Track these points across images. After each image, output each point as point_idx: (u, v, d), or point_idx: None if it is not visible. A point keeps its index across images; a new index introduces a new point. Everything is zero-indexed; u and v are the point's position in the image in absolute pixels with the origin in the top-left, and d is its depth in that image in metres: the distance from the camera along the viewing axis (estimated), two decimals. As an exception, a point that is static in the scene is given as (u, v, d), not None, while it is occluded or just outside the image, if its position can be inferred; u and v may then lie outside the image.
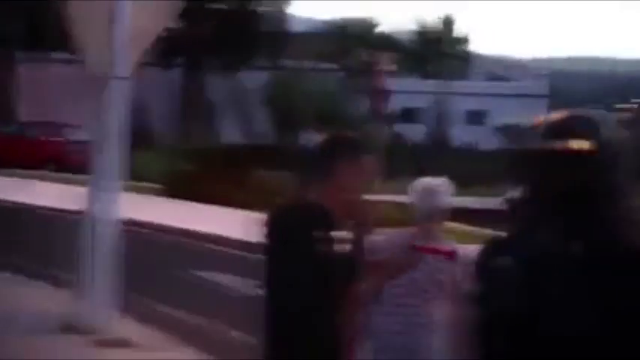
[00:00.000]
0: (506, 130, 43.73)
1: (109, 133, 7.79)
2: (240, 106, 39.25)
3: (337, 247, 3.35)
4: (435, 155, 29.58)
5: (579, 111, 3.19)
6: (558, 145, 3.00)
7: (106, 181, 7.77)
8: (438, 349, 4.56)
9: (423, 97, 42.66)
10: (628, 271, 2.72)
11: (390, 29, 49.05)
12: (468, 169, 27.74)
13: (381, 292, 4.11)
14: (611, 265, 2.80)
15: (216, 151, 22.79)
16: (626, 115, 61.75)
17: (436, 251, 4.34)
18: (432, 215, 4.74)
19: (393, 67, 15.38)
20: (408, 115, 42.16)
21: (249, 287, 10.99)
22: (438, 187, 4.87)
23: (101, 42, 7.76)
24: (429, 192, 4.78)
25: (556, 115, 3.18)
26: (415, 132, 40.55)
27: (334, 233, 3.34)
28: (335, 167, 3.32)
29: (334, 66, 44.60)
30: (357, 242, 3.48)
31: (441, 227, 4.83)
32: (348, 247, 3.44)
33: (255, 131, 38.32)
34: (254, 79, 38.63)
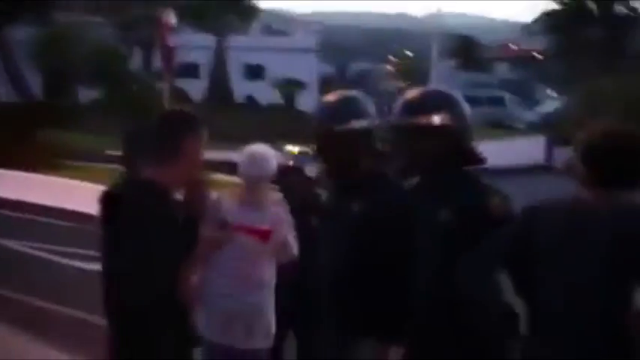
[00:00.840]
0: (285, 85, 44.60)
1: None
2: (7, 63, 37.31)
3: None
4: (217, 110, 29.62)
5: (433, 88, 3.53)
6: (418, 120, 3.30)
7: None
8: (267, 308, 4.68)
9: (202, 52, 42.38)
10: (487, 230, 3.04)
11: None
12: (249, 123, 28.07)
13: (203, 262, 4.15)
14: (476, 228, 3.11)
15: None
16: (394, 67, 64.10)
17: (250, 231, 4.42)
18: (258, 182, 4.79)
19: (174, 22, 15.10)
20: (188, 71, 41.74)
21: (47, 252, 10.85)
22: (265, 154, 4.87)
23: None
24: (256, 158, 4.81)
25: (413, 93, 3.45)
26: (196, 88, 40.30)
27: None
28: (180, 145, 3.26)
29: (107, 20, 43.27)
30: (194, 214, 3.52)
31: (267, 194, 4.85)
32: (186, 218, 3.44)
33: (26, 90, 36.66)
34: (21, 35, 36.78)
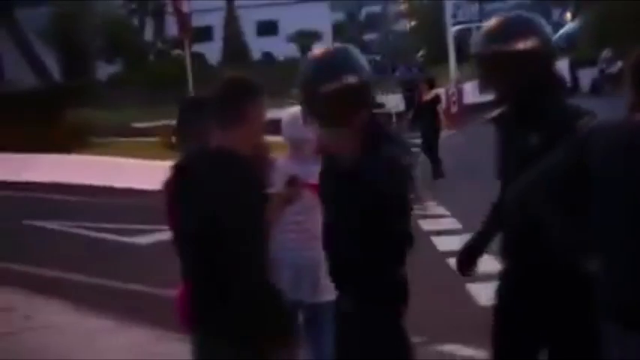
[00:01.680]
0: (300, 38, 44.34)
1: None
2: (23, 47, 37.29)
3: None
4: (234, 70, 29.51)
5: (514, 14, 3.44)
6: (509, 47, 3.25)
7: None
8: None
9: (214, 14, 42.16)
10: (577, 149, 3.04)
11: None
12: (267, 79, 27.97)
13: (277, 219, 4.23)
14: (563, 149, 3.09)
15: (13, 97, 21.73)
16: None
17: (307, 185, 4.46)
18: (301, 143, 4.74)
19: (186, -13, 15.03)
20: (202, 34, 41.62)
21: (93, 231, 10.97)
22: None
23: None
24: (298, 120, 4.80)
25: (495, 20, 3.39)
26: (211, 50, 40.15)
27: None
28: (243, 110, 3.33)
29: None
30: (263, 176, 3.56)
31: (310, 150, 4.83)
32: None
33: (45, 72, 36.70)
34: (31, 16, 36.68)
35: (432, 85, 15.22)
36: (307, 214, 4.68)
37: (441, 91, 17.37)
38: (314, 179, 4.59)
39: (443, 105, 16.44)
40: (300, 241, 4.67)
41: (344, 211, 3.25)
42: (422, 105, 14.96)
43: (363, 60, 3.26)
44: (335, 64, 3.18)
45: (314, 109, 3.24)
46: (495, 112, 3.42)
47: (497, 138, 3.46)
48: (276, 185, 4.19)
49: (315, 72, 3.20)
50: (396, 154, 3.17)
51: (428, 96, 14.88)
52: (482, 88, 3.44)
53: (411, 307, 3.23)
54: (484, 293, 5.47)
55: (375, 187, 3.11)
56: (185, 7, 15.32)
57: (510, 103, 3.35)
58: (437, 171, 14.14)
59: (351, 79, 3.15)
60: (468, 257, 3.63)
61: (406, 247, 3.22)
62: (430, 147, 14.32)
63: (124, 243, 10.12)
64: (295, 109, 4.92)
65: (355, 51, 3.30)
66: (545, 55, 3.31)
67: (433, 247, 8.84)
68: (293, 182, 4.10)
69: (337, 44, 3.50)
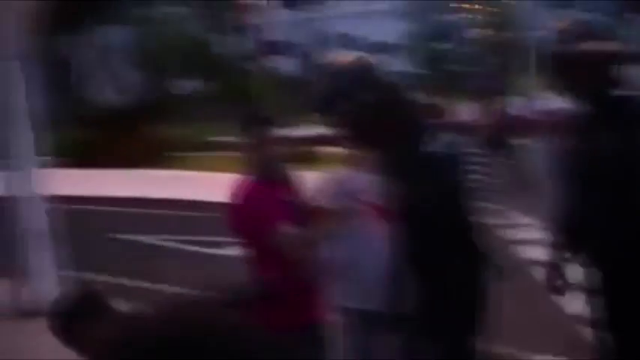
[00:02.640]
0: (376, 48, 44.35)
1: (17, 112, 7.61)
2: (106, 63, 38.20)
3: None
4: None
5: (585, 16, 3.40)
6: (588, 48, 3.21)
7: (23, 161, 7.60)
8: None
9: (291, 27, 42.45)
10: None
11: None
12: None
13: (328, 235, 4.30)
14: None
15: (95, 114, 22.28)
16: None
17: (378, 209, 4.50)
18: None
19: (263, 1, 15.21)
20: (279, 48, 41.95)
21: (179, 243, 11.16)
22: None
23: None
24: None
25: (567, 22, 3.36)
26: (288, 64, 40.43)
27: None
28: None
29: (194, 10, 43.72)
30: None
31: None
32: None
33: (128, 88, 37.47)
34: (113, 35, 37.53)
35: (503, 95, 15.34)
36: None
37: (520, 100, 17.33)
38: (373, 194, 4.61)
39: (518, 114, 16.36)
40: (372, 251, 4.68)
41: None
42: (493, 114, 15.05)
43: (379, 71, 3.06)
44: (350, 82, 2.99)
45: (340, 130, 3.06)
46: (571, 115, 3.37)
47: (573, 141, 3.41)
48: (337, 200, 4.27)
49: (331, 92, 3.02)
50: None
51: (499, 106, 14.94)
52: (562, 91, 3.40)
53: (498, 316, 3.21)
54: (571, 302, 5.40)
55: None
56: (261, 21, 15.47)
57: (591, 105, 3.32)
58: (521, 179, 14.14)
59: (369, 98, 2.97)
60: (553, 272, 3.57)
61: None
62: (507, 155, 14.36)
63: (210, 254, 10.26)
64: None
65: (369, 62, 3.12)
66: (622, 57, 3.28)
67: (518, 255, 8.77)
68: (354, 200, 4.15)
69: (355, 55, 3.20)
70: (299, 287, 4.12)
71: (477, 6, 70.11)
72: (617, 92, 3.26)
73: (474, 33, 59.56)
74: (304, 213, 4.25)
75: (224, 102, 32.66)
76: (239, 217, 4.21)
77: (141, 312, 3.40)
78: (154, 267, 9.65)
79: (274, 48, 39.51)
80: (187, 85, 38.37)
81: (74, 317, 3.36)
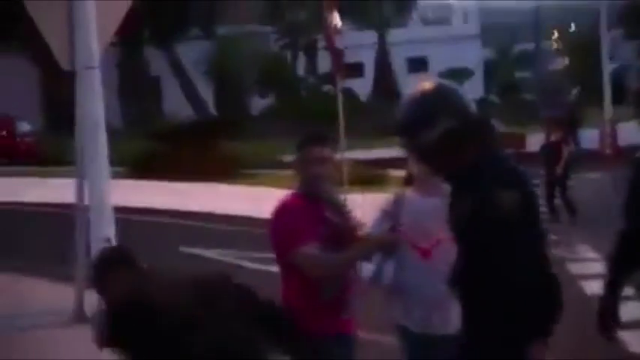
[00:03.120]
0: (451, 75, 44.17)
1: (91, 121, 7.72)
2: (181, 80, 38.79)
3: None
4: (385, 107, 29.66)
5: None
6: None
7: (96, 170, 7.71)
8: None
9: (365, 49, 42.63)
10: None
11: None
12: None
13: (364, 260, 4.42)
14: None
15: (171, 128, 22.63)
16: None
17: (416, 247, 4.53)
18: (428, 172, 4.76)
19: (340, 23, 15.22)
20: (353, 70, 42.27)
21: (243, 260, 11.21)
22: None
23: (63, 35, 7.64)
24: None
25: None
26: (361, 86, 40.57)
27: None
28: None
29: (270, 28, 44.17)
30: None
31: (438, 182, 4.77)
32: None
33: (201, 104, 37.99)
34: (191, 50, 38.15)
35: (561, 125, 15.22)
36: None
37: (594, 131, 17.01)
38: (440, 214, 4.57)
39: (572, 147, 16.05)
40: (429, 274, 4.64)
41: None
42: (549, 145, 14.84)
43: (463, 98, 3.09)
44: (431, 107, 3.01)
45: (418, 157, 3.13)
46: None
47: None
48: (378, 227, 4.34)
49: (412, 118, 3.03)
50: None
51: (555, 136, 14.75)
52: None
53: (560, 353, 3.15)
54: (635, 340, 5.28)
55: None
56: (339, 44, 15.50)
57: None
58: (570, 211, 14.19)
59: (450, 124, 2.98)
60: (607, 313, 3.50)
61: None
62: (557, 187, 14.32)
63: (266, 271, 10.28)
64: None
65: (454, 88, 3.14)
66: None
67: (581, 291, 8.61)
68: (392, 231, 4.14)
69: (437, 81, 3.26)
70: (318, 304, 4.17)
71: (557, 35, 69.40)
72: None
73: (555, 62, 58.93)
74: (342, 234, 4.27)
75: (296, 121, 32.92)
76: (273, 232, 4.29)
77: (162, 270, 3.82)
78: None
79: (352, 70, 39.74)
80: (262, 103, 38.76)
81: (105, 267, 3.87)
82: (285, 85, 38.75)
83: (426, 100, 3.05)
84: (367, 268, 4.66)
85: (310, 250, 4.13)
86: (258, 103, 38.85)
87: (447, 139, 2.99)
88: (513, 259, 2.94)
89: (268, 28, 43.88)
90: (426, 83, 3.17)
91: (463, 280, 3.16)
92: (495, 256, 2.97)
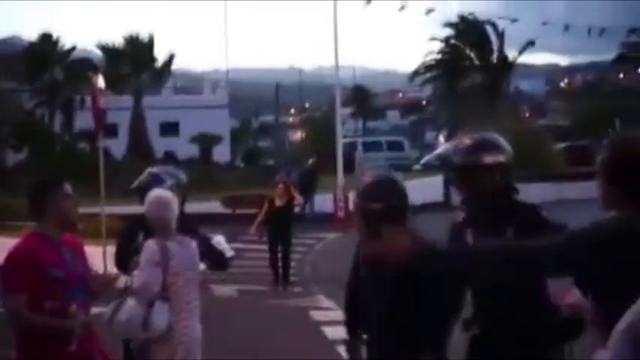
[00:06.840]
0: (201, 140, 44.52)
1: None
2: None
3: None
4: (139, 166, 29.36)
5: (486, 134, 3.78)
6: (480, 159, 3.58)
7: None
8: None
9: (120, 112, 42.18)
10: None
11: (74, 46, 47.18)
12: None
13: None
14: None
15: None
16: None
17: None
18: (167, 226, 4.85)
19: (103, 86, 15.13)
20: (108, 130, 41.54)
21: None
22: (170, 199, 4.91)
23: None
24: (162, 204, 4.85)
25: (471, 137, 3.72)
26: (115, 146, 39.93)
27: None
28: None
29: (26, 86, 42.62)
30: None
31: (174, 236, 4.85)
32: None
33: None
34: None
35: (289, 189, 14.27)
36: None
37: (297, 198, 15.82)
38: (186, 261, 4.82)
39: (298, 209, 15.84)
40: None
41: None
42: (274, 210, 13.93)
43: (402, 187, 3.60)
44: (380, 190, 3.53)
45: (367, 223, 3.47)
46: (461, 215, 3.78)
47: (464, 237, 3.75)
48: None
49: (366, 194, 3.56)
50: None
51: (280, 201, 13.99)
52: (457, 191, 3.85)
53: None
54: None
55: None
56: (102, 104, 15.39)
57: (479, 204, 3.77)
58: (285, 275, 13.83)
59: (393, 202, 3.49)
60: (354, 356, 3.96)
61: None
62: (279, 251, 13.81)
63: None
64: (165, 192, 4.96)
65: (397, 181, 3.64)
66: (507, 167, 3.77)
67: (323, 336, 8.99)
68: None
69: (383, 174, 4.02)
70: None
71: (293, 111, 72.23)
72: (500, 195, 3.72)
73: (293, 134, 61.29)
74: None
75: (50, 175, 31.74)
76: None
77: None
78: None
79: (108, 131, 38.97)
80: (16, 157, 37.11)
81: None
82: (39, 141, 37.36)
83: (379, 183, 3.65)
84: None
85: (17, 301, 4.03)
86: (14, 157, 37.23)
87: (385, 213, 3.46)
88: None
89: (24, 86, 42.32)
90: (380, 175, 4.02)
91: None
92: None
